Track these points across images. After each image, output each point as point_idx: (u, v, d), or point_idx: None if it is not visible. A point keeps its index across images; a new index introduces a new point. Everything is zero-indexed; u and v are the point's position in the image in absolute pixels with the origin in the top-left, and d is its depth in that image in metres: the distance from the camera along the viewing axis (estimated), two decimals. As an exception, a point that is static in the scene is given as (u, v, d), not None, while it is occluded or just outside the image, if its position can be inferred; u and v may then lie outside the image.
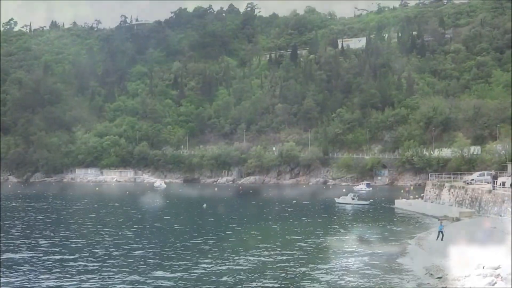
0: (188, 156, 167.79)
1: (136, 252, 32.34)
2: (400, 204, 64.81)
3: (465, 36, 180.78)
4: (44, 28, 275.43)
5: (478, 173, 62.82)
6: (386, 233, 41.52)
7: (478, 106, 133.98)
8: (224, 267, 27.60)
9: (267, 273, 26.21)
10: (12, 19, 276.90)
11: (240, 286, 23.69)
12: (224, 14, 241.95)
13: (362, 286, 23.43)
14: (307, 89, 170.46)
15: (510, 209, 38.39)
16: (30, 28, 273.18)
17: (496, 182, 46.58)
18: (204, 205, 68.52)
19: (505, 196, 41.49)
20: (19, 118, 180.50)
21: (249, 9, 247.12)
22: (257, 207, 68.32)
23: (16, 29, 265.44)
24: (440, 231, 33.81)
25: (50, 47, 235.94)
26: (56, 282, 24.38)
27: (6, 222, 47.56)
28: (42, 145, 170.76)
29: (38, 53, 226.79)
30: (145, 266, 28.06)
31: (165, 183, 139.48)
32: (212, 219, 53.10)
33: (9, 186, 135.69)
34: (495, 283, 20.28)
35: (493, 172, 55.88)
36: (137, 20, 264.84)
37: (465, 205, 50.33)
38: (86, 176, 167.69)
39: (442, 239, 33.18)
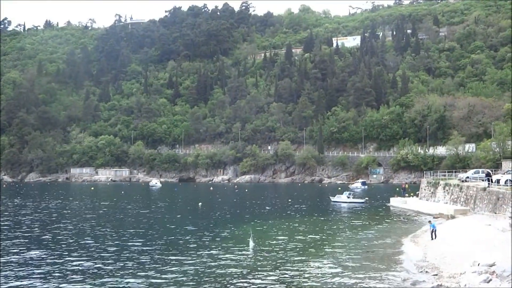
0: (183, 155, 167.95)
1: (133, 252, 32.30)
2: (396, 202, 64.92)
3: (459, 34, 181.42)
4: (38, 27, 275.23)
5: (473, 170, 62.90)
6: (381, 231, 41.59)
7: (473, 104, 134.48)
8: (220, 266, 27.59)
9: (262, 272, 26.21)
10: (6, 18, 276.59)
11: (237, 285, 23.70)
12: (218, 13, 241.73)
13: (356, 285, 23.45)
14: (302, 88, 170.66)
15: (510, 207, 38.46)
16: (24, 27, 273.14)
17: (491, 179, 46.71)
18: (200, 204, 68.44)
19: (500, 193, 41.62)
20: (13, 118, 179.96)
21: (243, 8, 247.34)
22: (251, 205, 68.29)
23: (10, 28, 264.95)
24: (433, 230, 33.82)
25: (44, 47, 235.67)
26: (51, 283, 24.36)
27: None
28: (36, 144, 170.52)
29: (32, 53, 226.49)
30: (143, 265, 28.03)
31: (160, 182, 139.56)
32: (207, 217, 53.07)
33: (4, 185, 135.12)
34: (490, 280, 20.36)
35: (485, 170, 56.05)
36: (131, 19, 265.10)
37: (460, 203, 50.47)
38: (81, 176, 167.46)
39: (432, 238, 33.25)
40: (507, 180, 44.99)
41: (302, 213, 57.27)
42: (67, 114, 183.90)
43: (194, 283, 23.99)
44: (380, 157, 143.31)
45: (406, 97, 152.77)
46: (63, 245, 34.80)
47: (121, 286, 23.61)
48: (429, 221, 36.81)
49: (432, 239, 33.09)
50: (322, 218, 51.89)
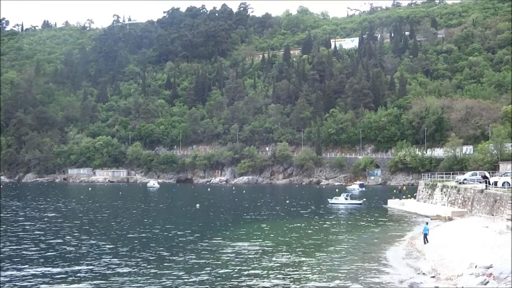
0: (181, 156, 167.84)
1: (133, 252, 32.27)
2: (393, 204, 64.98)
3: (457, 36, 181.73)
4: (36, 27, 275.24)
5: (470, 172, 63.04)
6: (378, 233, 41.59)
7: (470, 106, 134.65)
8: (219, 266, 27.57)
9: (259, 273, 26.20)
10: (4, 18, 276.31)
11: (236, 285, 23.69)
12: (217, 14, 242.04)
13: (353, 287, 23.44)
14: (300, 89, 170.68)
15: (510, 208, 38.49)
16: (22, 27, 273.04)
17: (488, 181, 46.76)
18: (197, 205, 68.37)
19: (497, 195, 41.67)
20: (11, 118, 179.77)
21: (242, 9, 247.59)
22: (249, 206, 68.27)
23: (7, 28, 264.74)
24: (425, 234, 33.35)
25: (42, 47, 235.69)
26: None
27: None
28: (34, 145, 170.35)
29: (30, 53, 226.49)
30: (143, 266, 28.00)
31: (158, 183, 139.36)
32: (207, 219, 53.04)
33: (1, 186, 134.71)
34: (488, 282, 20.37)
35: (482, 172, 56.15)
36: (129, 19, 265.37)
37: (458, 205, 50.51)
38: (78, 177, 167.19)
39: (424, 242, 32.84)
40: (504, 182, 45.06)
41: (299, 215, 57.27)
42: (65, 114, 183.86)
43: (193, 283, 23.95)
44: (378, 158, 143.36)
45: (404, 99, 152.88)
46: (65, 246, 34.77)
47: (120, 286, 23.59)
48: (427, 223, 36.47)
49: (425, 243, 32.75)
50: (319, 220, 51.87)
